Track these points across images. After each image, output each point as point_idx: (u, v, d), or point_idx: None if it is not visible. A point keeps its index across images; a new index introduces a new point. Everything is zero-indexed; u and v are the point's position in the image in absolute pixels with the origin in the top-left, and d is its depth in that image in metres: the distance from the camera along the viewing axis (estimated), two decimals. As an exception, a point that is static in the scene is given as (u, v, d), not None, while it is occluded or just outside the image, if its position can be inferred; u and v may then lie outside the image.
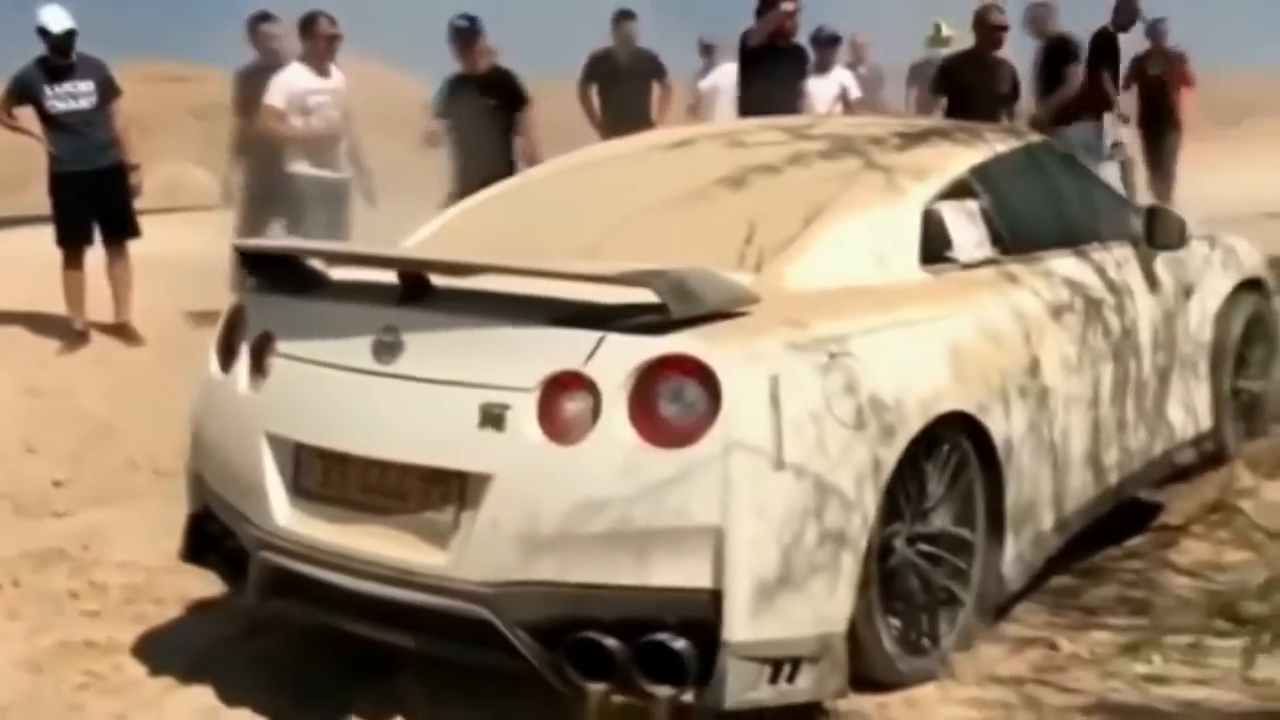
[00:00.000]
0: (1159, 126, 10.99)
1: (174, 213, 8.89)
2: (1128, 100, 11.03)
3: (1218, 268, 5.36)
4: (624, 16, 9.82)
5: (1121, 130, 10.31)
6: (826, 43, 10.24)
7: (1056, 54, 9.58)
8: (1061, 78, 9.47)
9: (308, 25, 8.15)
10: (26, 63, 7.92)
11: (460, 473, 3.32)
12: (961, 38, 10.47)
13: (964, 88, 8.77)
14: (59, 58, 7.80)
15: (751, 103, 8.45)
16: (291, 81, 8.06)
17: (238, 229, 8.15)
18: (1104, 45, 10.16)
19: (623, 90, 9.64)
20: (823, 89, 10.07)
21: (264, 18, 8.51)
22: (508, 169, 8.01)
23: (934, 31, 10.84)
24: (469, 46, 8.42)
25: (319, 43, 8.13)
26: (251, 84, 8.36)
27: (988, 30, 8.87)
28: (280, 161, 8.03)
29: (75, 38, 7.85)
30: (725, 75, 10.78)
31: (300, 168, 8.03)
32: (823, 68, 10.17)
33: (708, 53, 11.10)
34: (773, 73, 8.59)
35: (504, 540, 3.24)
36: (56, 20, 7.79)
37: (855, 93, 10.22)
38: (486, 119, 8.26)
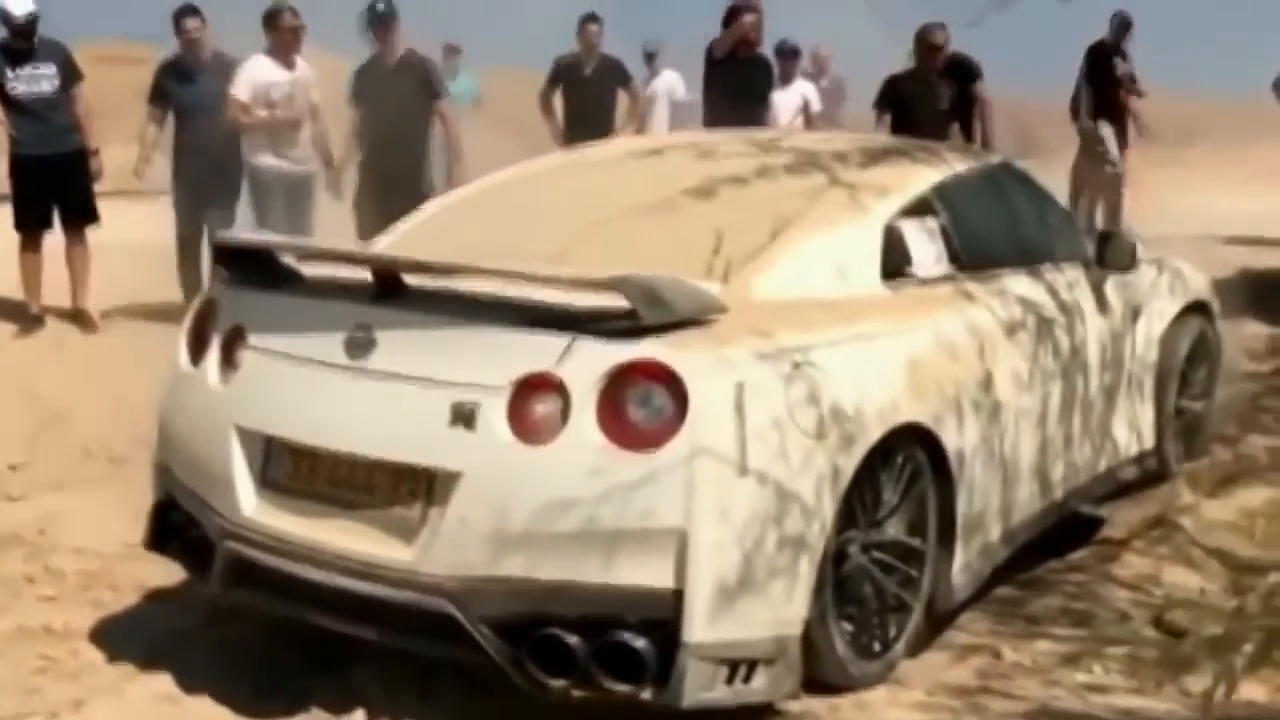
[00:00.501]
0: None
1: (125, 196, 8.81)
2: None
3: (1165, 290, 5.50)
4: (588, 20, 9.79)
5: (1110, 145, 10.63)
6: (788, 55, 10.38)
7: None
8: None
9: (272, 18, 8.12)
10: None
11: (429, 469, 3.38)
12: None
13: (906, 104, 9.03)
14: (21, 41, 7.76)
15: (716, 113, 8.53)
16: (256, 73, 8.05)
17: (176, 220, 8.13)
18: (1098, 58, 10.66)
19: (587, 96, 9.61)
20: (785, 100, 10.20)
21: (189, 11, 8.27)
22: (418, 162, 8.06)
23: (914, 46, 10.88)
24: (388, 31, 8.17)
25: (283, 34, 8.10)
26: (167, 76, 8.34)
27: (926, 49, 9.10)
28: (227, 153, 7.99)
29: (38, 21, 7.82)
30: (664, 82, 10.94)
31: (263, 159, 8.01)
32: (785, 79, 10.32)
33: (650, 60, 11.18)
34: (738, 83, 8.67)
35: (471, 537, 3.30)
36: (19, 4, 7.76)
37: (816, 105, 10.35)
38: (399, 108, 8.03)
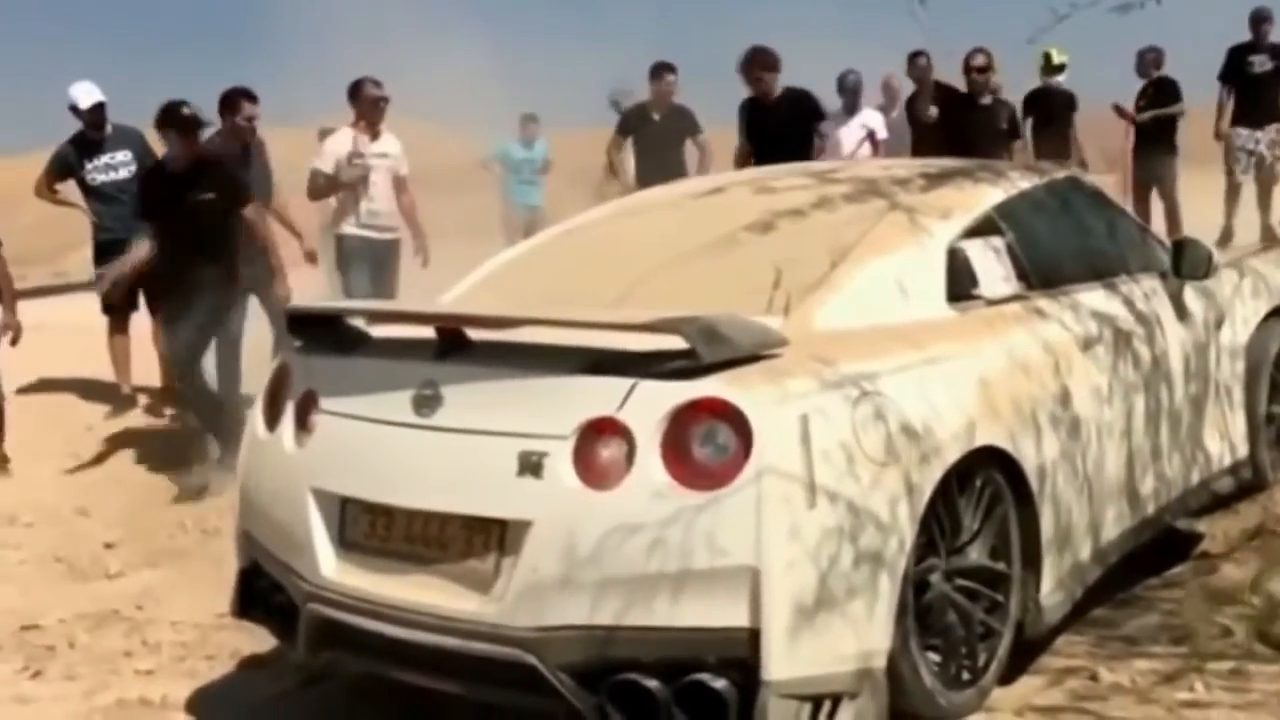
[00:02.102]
0: (1156, 156, 11.15)
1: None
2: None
3: (1248, 295, 5.38)
4: (661, 69, 9.59)
5: None
6: (849, 88, 10.32)
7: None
8: None
9: (356, 90, 8.26)
10: (64, 140, 8.13)
11: (500, 520, 3.40)
12: (1072, 63, 10.82)
13: (960, 128, 9.19)
14: (93, 132, 8.00)
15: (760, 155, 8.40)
16: (338, 146, 8.20)
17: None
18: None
19: (656, 146, 9.42)
20: (847, 133, 10.16)
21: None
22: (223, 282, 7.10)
23: (1044, 61, 10.82)
24: (192, 136, 7.20)
25: (365, 105, 8.23)
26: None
27: (967, 72, 9.54)
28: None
29: (105, 110, 8.05)
30: None
31: (347, 228, 8.15)
32: (849, 111, 10.30)
33: (618, 108, 11.26)
34: (773, 125, 8.48)
35: (545, 585, 3.31)
36: (87, 95, 8.01)
37: (882, 134, 10.24)
38: (194, 217, 7.03)
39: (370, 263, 8.17)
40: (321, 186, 8.19)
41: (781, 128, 8.34)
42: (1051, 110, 10.71)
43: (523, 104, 12.47)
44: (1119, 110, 11.58)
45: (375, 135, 8.25)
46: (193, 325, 6.95)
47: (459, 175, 13.47)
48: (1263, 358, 5.37)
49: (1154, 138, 11.11)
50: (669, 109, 9.60)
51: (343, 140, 8.25)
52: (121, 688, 4.60)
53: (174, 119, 7.03)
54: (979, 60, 9.51)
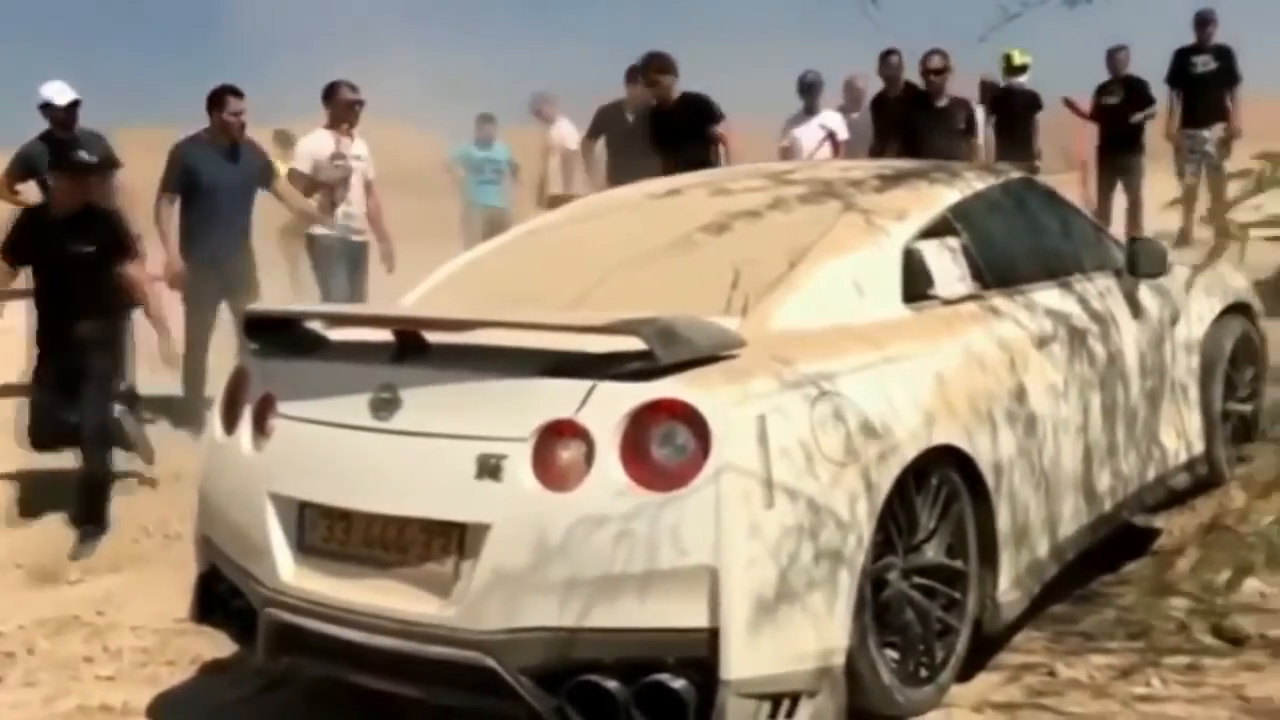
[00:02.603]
0: (1125, 155, 11.31)
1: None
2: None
3: (1203, 293, 5.44)
4: (637, 72, 9.33)
5: None
6: (808, 88, 10.31)
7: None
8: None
9: (331, 92, 8.26)
10: (31, 139, 8.04)
11: (459, 523, 3.40)
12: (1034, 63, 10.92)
13: (916, 130, 9.36)
14: (62, 131, 7.92)
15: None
16: (316, 147, 8.18)
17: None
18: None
19: (628, 147, 9.17)
20: (806, 133, 10.16)
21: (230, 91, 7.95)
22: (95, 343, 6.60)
23: (1005, 62, 10.86)
24: (79, 181, 6.69)
25: (341, 108, 8.23)
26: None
27: (924, 74, 9.65)
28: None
29: (79, 109, 7.99)
30: (559, 132, 11.07)
31: (323, 229, 8.16)
32: (809, 112, 10.30)
33: (545, 117, 11.18)
34: (669, 129, 8.51)
35: (504, 588, 3.31)
36: (60, 94, 7.92)
37: (843, 134, 10.23)
38: (70, 268, 6.51)
39: (347, 264, 8.17)
40: (302, 188, 8.16)
41: (678, 131, 8.39)
42: (1014, 111, 10.79)
43: (488, 105, 12.44)
44: (1071, 105, 11.71)
45: (349, 137, 8.26)
46: (54, 390, 6.52)
47: (427, 177, 13.43)
48: (1218, 354, 5.43)
49: (1124, 136, 11.23)
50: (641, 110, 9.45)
51: (319, 141, 8.23)
52: (82, 694, 4.58)
53: (65, 163, 6.74)
54: (935, 62, 9.57)
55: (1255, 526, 4.93)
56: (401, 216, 8.99)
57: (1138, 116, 11.31)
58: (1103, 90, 11.48)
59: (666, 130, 8.51)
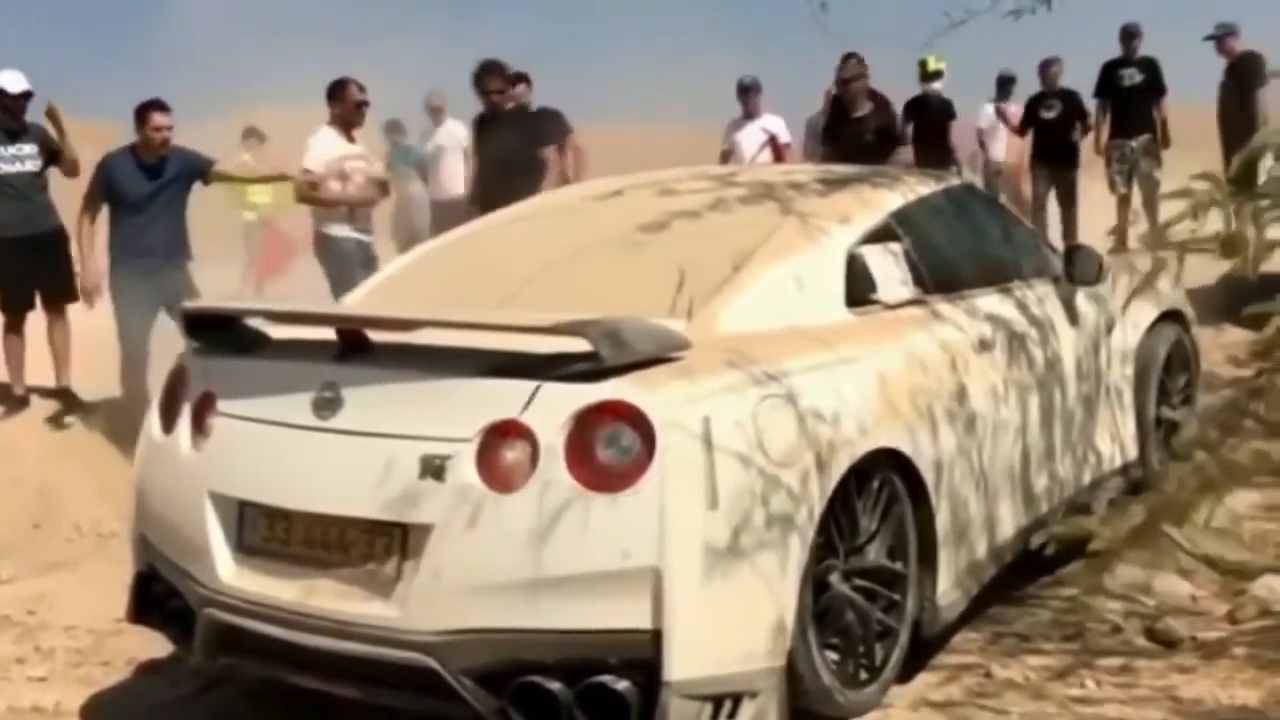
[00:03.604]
0: (1059, 164, 11.40)
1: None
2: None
3: (1138, 301, 5.51)
4: (518, 79, 9.22)
5: None
6: (745, 90, 10.26)
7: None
8: None
9: (338, 90, 8.11)
10: None
11: (402, 524, 3.38)
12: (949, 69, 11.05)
13: (835, 140, 9.44)
14: (10, 120, 7.79)
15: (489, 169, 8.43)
16: (327, 147, 8.05)
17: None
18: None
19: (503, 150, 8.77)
20: (745, 137, 10.12)
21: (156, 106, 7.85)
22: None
23: (921, 68, 10.97)
24: None
25: (348, 107, 8.11)
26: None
27: (838, 83, 9.55)
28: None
29: (30, 100, 7.86)
30: (448, 134, 10.94)
31: (340, 229, 8.01)
32: (748, 115, 10.24)
33: (436, 115, 11.14)
34: (500, 140, 8.42)
35: (446, 589, 3.30)
36: (14, 82, 7.79)
37: (784, 138, 10.22)
38: None
39: (361, 264, 7.98)
40: (311, 188, 8.01)
41: (508, 143, 8.29)
42: (928, 117, 10.92)
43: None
44: (1001, 115, 11.86)
45: (353, 138, 8.16)
46: None
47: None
48: (1152, 361, 5.51)
49: (1060, 149, 11.33)
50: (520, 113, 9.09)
51: (328, 140, 8.08)
52: (13, 695, 4.51)
53: None
54: (846, 71, 9.49)
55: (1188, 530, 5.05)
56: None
57: (1077, 134, 11.42)
58: (1037, 102, 11.57)
59: (497, 140, 8.38)
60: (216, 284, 7.90)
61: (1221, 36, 10.95)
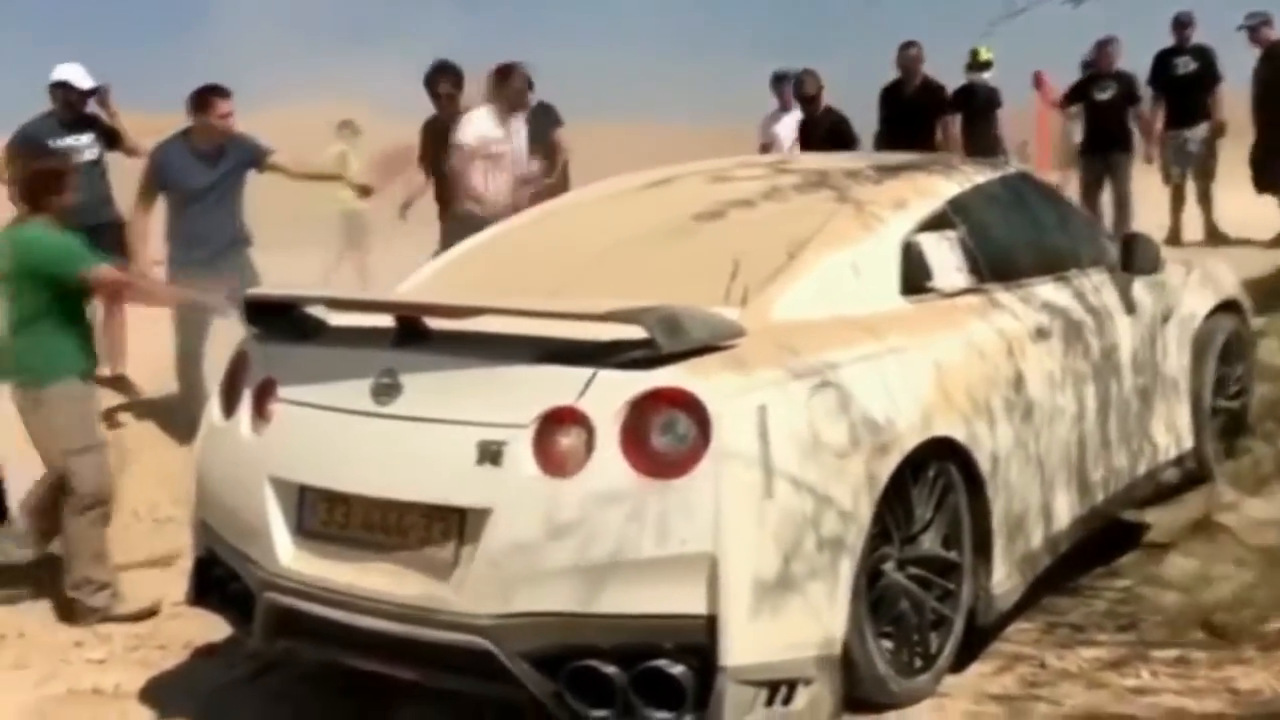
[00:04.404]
0: (1113, 149, 11.10)
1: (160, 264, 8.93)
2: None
3: (1195, 290, 5.47)
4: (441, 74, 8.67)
5: None
6: (779, 82, 10.27)
7: None
8: None
9: (504, 73, 8.07)
10: (32, 118, 7.98)
11: (460, 509, 3.41)
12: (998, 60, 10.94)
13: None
14: (70, 113, 7.87)
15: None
16: (487, 126, 8.00)
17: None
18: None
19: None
20: (784, 129, 10.12)
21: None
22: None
23: (971, 58, 10.85)
24: None
25: (513, 93, 8.08)
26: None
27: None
28: None
29: (93, 96, 7.94)
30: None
31: (473, 208, 7.89)
32: (783, 107, 10.25)
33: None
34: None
35: (503, 573, 3.32)
36: (82, 78, 7.87)
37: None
38: None
39: None
40: (459, 164, 7.93)
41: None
42: (975, 106, 10.81)
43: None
44: (1039, 83, 11.59)
45: (510, 119, 8.06)
46: None
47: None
48: (1208, 351, 5.46)
49: (1114, 133, 11.11)
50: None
51: (487, 119, 8.01)
52: (73, 677, 4.58)
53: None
54: (804, 89, 9.76)
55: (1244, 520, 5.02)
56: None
57: (1131, 118, 11.15)
58: (1091, 83, 11.25)
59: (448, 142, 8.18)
60: (305, 272, 7.71)
61: (1255, 26, 10.79)
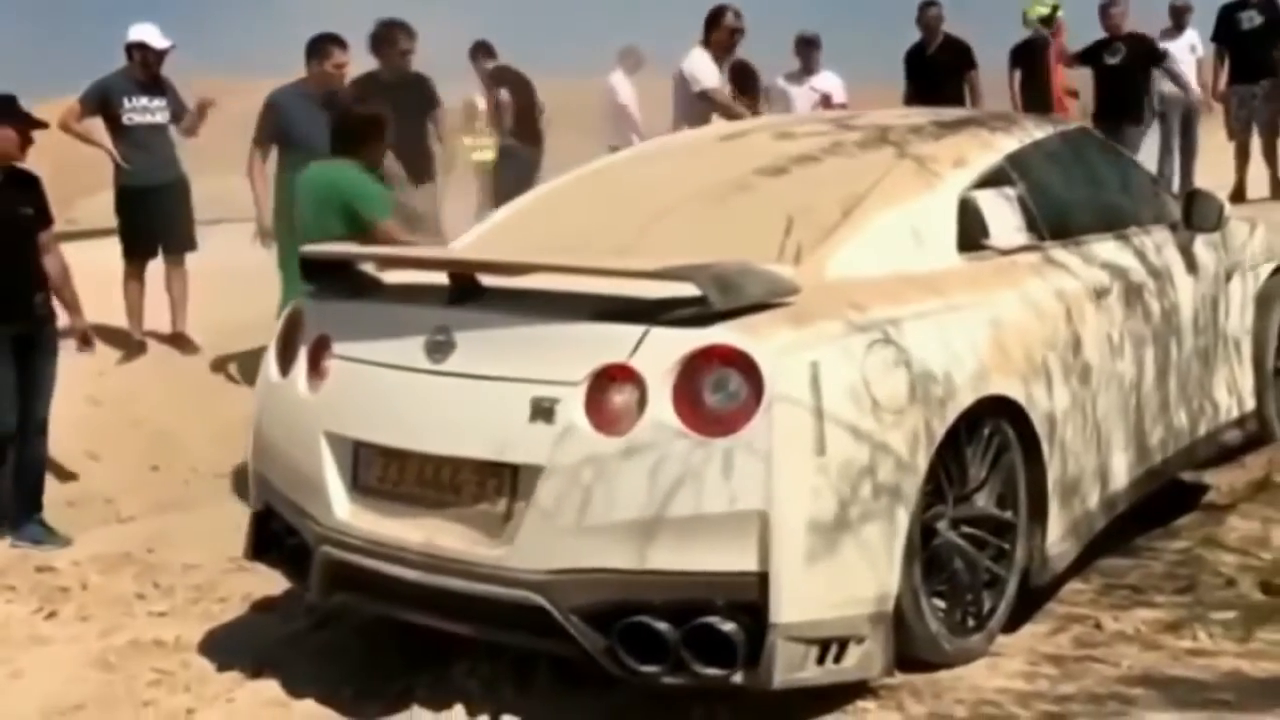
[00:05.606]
0: (1120, 120, 10.35)
1: (220, 224, 8.98)
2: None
3: (1259, 249, 5.38)
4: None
5: None
6: (806, 44, 10.08)
7: None
8: None
9: (717, 18, 8.18)
10: (108, 74, 8.03)
11: (513, 465, 3.42)
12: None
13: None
14: (142, 72, 7.93)
15: None
16: (711, 69, 8.10)
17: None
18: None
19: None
20: (800, 94, 9.89)
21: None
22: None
23: (1030, 13, 10.55)
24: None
25: (723, 34, 8.19)
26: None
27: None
28: None
29: (165, 58, 8.00)
30: None
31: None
32: (806, 70, 10.06)
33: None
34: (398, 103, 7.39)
35: (556, 529, 3.34)
36: (159, 38, 7.94)
37: (839, 97, 9.93)
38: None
39: None
40: (720, 109, 7.96)
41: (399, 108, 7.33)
42: (1035, 62, 10.53)
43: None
44: (1055, 34, 10.83)
45: (722, 63, 8.20)
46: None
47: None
48: (1271, 311, 5.37)
49: (1123, 100, 10.44)
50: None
51: (708, 62, 8.12)
52: (135, 629, 4.65)
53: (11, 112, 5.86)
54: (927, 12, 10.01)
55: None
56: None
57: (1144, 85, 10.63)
58: (1102, 47, 10.67)
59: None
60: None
61: None
